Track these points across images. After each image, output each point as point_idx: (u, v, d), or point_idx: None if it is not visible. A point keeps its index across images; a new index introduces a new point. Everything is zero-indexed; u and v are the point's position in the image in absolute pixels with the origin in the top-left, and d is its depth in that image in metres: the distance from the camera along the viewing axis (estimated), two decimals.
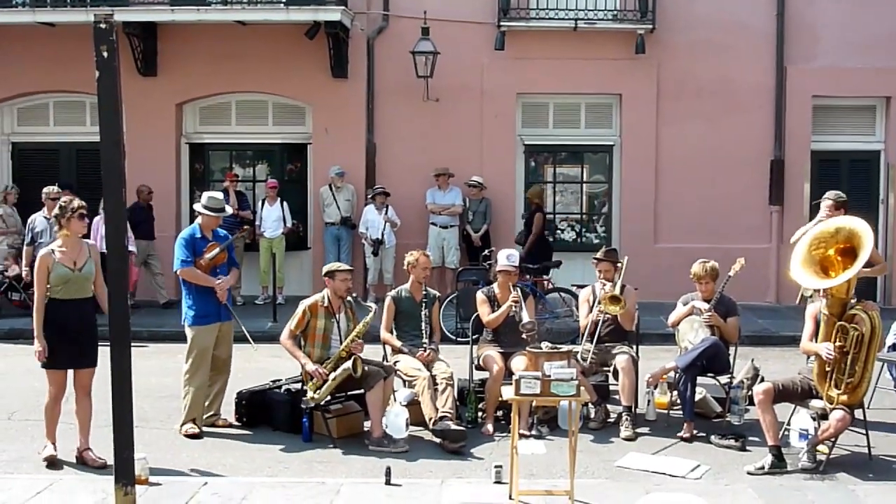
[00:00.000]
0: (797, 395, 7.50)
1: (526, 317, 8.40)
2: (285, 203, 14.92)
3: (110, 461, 5.50)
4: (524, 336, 8.37)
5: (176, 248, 8.35)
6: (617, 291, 8.60)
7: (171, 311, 13.15)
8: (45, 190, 13.06)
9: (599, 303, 8.69)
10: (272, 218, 14.76)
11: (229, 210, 8.73)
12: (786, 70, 15.20)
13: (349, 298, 8.44)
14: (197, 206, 8.61)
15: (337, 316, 8.25)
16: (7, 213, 14.06)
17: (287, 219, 14.82)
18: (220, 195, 8.85)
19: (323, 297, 8.28)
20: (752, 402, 8.07)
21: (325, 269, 8.48)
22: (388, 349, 8.79)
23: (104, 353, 5.99)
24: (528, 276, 12.81)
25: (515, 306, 8.50)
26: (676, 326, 8.69)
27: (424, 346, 8.55)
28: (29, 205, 14.07)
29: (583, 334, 8.86)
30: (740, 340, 8.76)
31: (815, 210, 8.94)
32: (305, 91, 15.54)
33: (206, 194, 8.69)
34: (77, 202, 7.27)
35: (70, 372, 7.29)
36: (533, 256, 13.64)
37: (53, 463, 7.26)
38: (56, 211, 7.31)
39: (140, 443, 5.70)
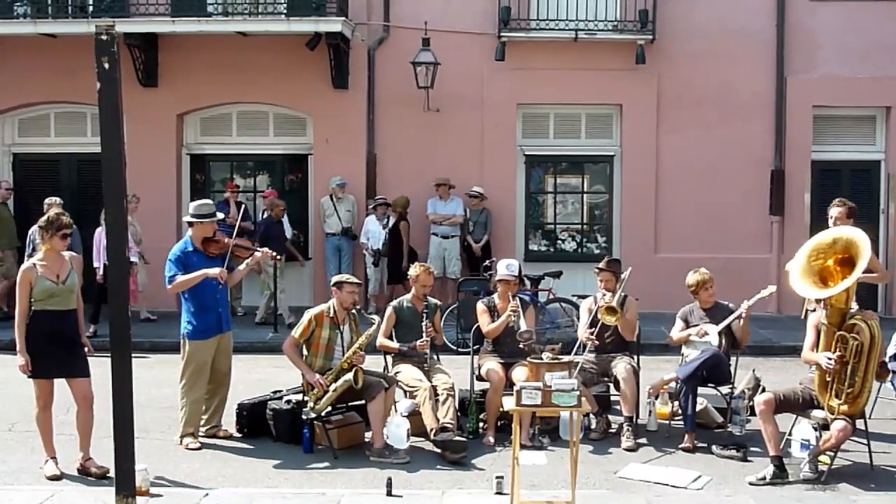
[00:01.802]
0: (798, 405, 7.50)
1: (524, 325, 8.40)
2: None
3: (112, 468, 5.49)
4: (521, 345, 8.37)
5: (166, 266, 8.27)
6: (615, 302, 8.59)
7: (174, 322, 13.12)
8: (46, 201, 13.05)
9: (595, 323, 8.68)
10: None
11: (220, 216, 8.67)
12: (786, 80, 15.23)
13: (353, 311, 8.44)
14: (186, 218, 8.55)
15: (341, 327, 8.25)
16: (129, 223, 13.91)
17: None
18: (208, 201, 8.82)
19: (329, 307, 8.28)
20: (753, 413, 8.06)
21: (334, 279, 8.49)
22: (390, 360, 8.79)
23: (101, 363, 6.00)
24: (527, 286, 12.82)
25: (514, 315, 8.50)
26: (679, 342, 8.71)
27: (426, 356, 8.56)
28: (30, 215, 14.08)
29: (580, 344, 8.86)
30: (741, 351, 8.75)
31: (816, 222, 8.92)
32: (306, 102, 15.58)
33: (193, 203, 8.64)
34: (64, 220, 7.24)
35: (63, 383, 7.28)
36: (398, 266, 13.68)
37: (57, 480, 7.22)
38: (41, 223, 7.30)
39: (141, 454, 5.70)
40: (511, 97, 15.40)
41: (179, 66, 15.45)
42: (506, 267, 8.83)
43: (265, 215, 14.85)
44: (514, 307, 8.52)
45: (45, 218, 7.29)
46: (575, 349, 8.77)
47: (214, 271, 8.10)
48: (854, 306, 7.30)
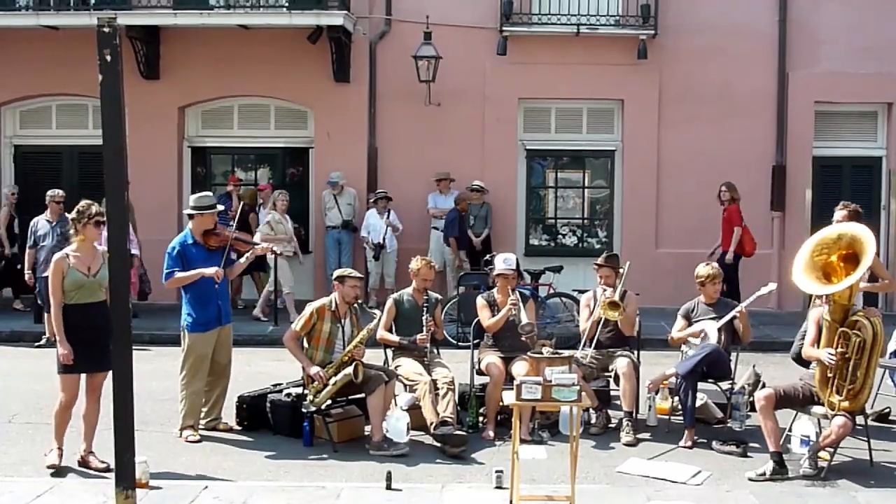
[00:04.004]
0: (799, 401, 7.49)
1: (525, 318, 8.41)
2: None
3: (112, 461, 5.49)
4: (523, 338, 8.38)
5: (164, 259, 8.27)
6: (617, 297, 8.60)
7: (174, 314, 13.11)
8: (49, 193, 13.06)
9: (598, 307, 8.71)
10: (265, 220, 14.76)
11: (220, 208, 8.67)
12: (788, 75, 15.22)
13: (355, 305, 8.44)
14: (187, 210, 8.54)
15: (342, 321, 8.26)
16: (276, 220, 13.92)
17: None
18: (209, 193, 8.80)
19: (331, 301, 8.28)
20: (753, 408, 8.06)
21: (337, 273, 8.49)
22: (390, 354, 8.79)
23: None
24: (527, 281, 12.81)
25: (514, 308, 8.51)
26: (678, 342, 8.72)
27: (426, 350, 8.55)
28: (30, 207, 14.10)
29: (583, 338, 8.87)
30: (742, 346, 8.75)
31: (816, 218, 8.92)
32: (307, 95, 15.57)
33: (193, 195, 8.63)
34: (95, 208, 7.18)
35: (83, 376, 7.27)
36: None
37: (58, 471, 7.18)
38: (73, 215, 7.25)
39: (141, 446, 5.69)
40: (512, 91, 15.39)
41: (181, 58, 15.44)
42: (503, 261, 8.84)
43: (263, 207, 14.83)
44: (514, 300, 8.53)
45: (76, 209, 7.25)
46: (582, 344, 8.77)
47: (210, 271, 8.09)
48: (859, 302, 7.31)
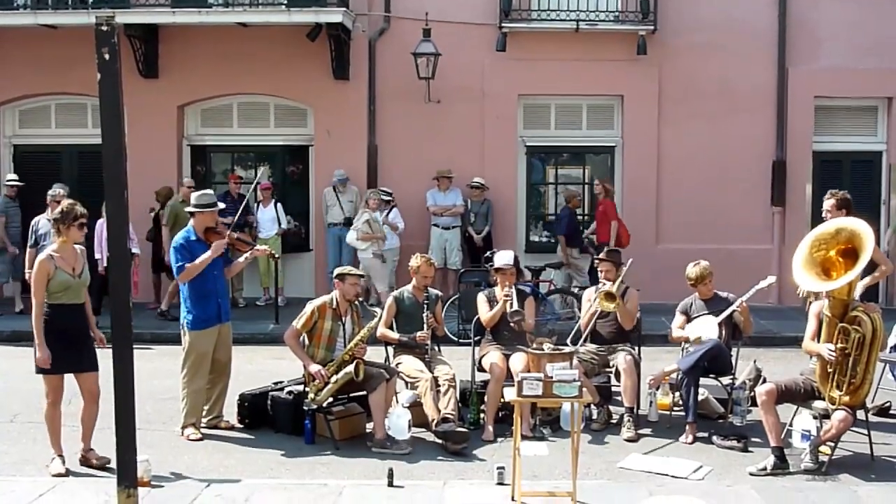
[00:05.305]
0: (799, 395, 7.50)
1: (515, 306, 8.44)
2: (279, 204, 14.93)
3: (114, 459, 5.49)
4: (511, 324, 8.41)
5: (171, 256, 8.32)
6: (614, 289, 8.61)
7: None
8: (50, 192, 13.06)
9: (596, 299, 8.74)
10: (266, 219, 14.79)
11: (221, 206, 8.70)
12: (787, 71, 15.20)
13: (356, 302, 8.45)
14: (188, 208, 8.57)
15: (343, 319, 8.26)
16: (373, 219, 13.95)
17: (281, 220, 14.82)
18: (209, 191, 8.82)
19: (332, 298, 8.29)
20: (754, 403, 8.07)
21: (337, 271, 8.50)
22: (391, 351, 8.80)
23: (105, 355, 5.99)
24: (528, 277, 12.82)
25: (508, 301, 8.53)
26: (677, 340, 8.73)
27: (427, 347, 8.56)
28: (31, 207, 14.11)
29: (582, 331, 8.88)
30: (743, 341, 8.76)
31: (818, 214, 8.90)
32: (307, 93, 15.56)
33: (194, 193, 8.66)
34: (79, 210, 7.18)
35: (72, 378, 7.25)
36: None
37: (63, 478, 7.12)
38: (56, 215, 7.26)
39: (142, 445, 5.69)
40: (512, 88, 15.38)
41: (180, 57, 15.44)
42: (501, 257, 8.88)
43: (256, 204, 14.84)
44: (508, 294, 8.58)
45: (59, 209, 7.23)
46: (576, 338, 8.78)
47: (221, 243, 8.10)
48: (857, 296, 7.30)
